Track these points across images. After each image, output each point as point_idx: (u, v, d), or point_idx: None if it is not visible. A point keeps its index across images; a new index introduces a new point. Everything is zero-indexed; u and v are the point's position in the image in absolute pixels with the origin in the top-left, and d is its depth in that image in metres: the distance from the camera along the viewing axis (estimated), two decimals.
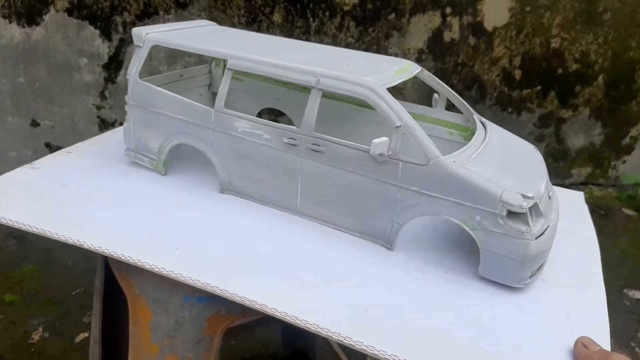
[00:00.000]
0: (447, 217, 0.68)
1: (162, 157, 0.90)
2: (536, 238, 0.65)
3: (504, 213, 0.64)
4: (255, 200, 0.85)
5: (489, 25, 2.06)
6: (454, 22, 2.03)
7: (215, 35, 0.93)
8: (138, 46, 0.87)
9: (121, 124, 1.98)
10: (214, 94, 1.07)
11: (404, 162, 0.69)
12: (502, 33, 2.08)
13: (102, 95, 1.94)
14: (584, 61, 2.19)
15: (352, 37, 1.98)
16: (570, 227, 0.85)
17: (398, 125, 0.68)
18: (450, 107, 0.85)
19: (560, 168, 2.40)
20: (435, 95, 0.86)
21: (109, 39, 1.86)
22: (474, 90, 2.17)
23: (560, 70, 2.19)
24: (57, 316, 1.50)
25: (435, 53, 2.07)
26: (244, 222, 0.80)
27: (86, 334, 1.42)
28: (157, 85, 0.87)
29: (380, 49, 2.02)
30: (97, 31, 1.85)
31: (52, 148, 2.00)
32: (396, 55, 2.05)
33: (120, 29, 1.85)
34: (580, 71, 2.21)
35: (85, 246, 0.72)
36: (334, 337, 0.60)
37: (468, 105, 0.81)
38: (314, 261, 0.73)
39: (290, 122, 0.93)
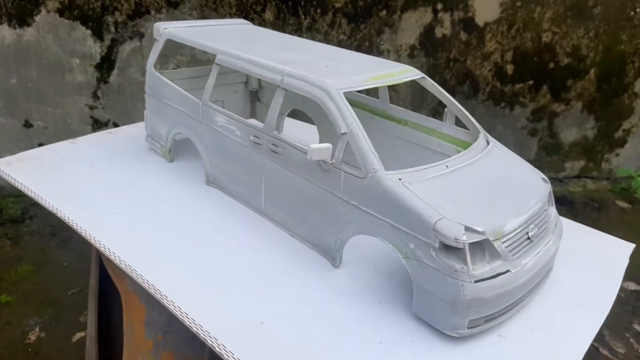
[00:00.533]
0: (382, 239, 0.61)
1: (167, 144, 0.94)
2: (476, 281, 0.54)
3: (437, 245, 0.55)
4: (231, 196, 0.85)
5: (480, 20, 2.07)
6: (445, 17, 2.04)
7: (232, 34, 0.93)
8: (155, 39, 0.92)
9: (114, 124, 1.98)
10: (251, 92, 1.09)
11: (345, 173, 0.63)
12: (493, 28, 2.09)
13: (95, 96, 1.94)
14: (576, 55, 2.20)
15: (344, 34, 1.98)
16: (590, 284, 0.72)
17: (343, 132, 0.64)
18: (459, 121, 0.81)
19: (554, 162, 2.41)
20: (447, 108, 0.81)
21: (101, 39, 1.86)
22: (467, 85, 2.18)
23: (552, 65, 2.20)
24: (53, 316, 1.50)
25: (427, 49, 2.08)
26: (211, 217, 0.80)
27: (82, 333, 1.42)
28: (189, 78, 0.90)
29: (372, 46, 2.03)
30: (89, 31, 1.84)
31: None
32: (388, 52, 2.05)
33: (112, 28, 1.85)
34: (572, 65, 2.22)
35: (74, 226, 0.76)
36: (208, 340, 0.55)
37: (475, 122, 0.75)
38: (244, 266, 0.69)
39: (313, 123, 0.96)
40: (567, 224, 0.80)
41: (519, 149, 2.34)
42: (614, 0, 2.11)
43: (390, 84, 0.73)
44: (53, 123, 1.96)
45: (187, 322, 0.57)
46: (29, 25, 1.80)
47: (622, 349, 1.49)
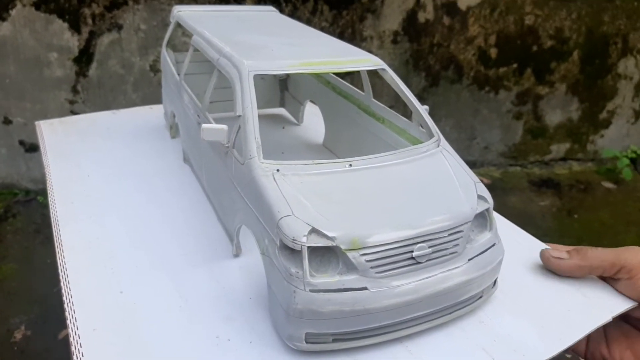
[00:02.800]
0: (251, 231, 0.57)
1: (169, 121, 0.97)
2: (312, 291, 0.49)
3: (278, 242, 0.51)
4: (195, 175, 0.85)
5: (462, 4, 2.06)
6: (428, 2, 2.02)
7: (236, 20, 0.91)
8: (170, 21, 0.96)
9: None
10: (280, 81, 1.06)
11: (235, 157, 0.60)
12: (476, 12, 2.08)
13: (75, 90, 1.91)
14: (559, 37, 2.20)
15: (326, 21, 1.96)
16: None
17: (238, 115, 0.61)
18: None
19: (540, 145, 2.41)
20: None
21: (78, 31, 1.83)
22: (451, 70, 2.17)
23: (535, 47, 2.20)
24: (39, 314, 1.48)
25: (411, 34, 2.07)
26: (162, 194, 0.80)
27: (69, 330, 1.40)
28: (204, 61, 0.92)
29: (355, 33, 2.01)
30: (66, 24, 1.81)
31: (26, 145, 1.96)
32: (371, 38, 2.04)
33: (90, 21, 1.82)
34: (555, 47, 2.22)
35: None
36: (66, 293, 0.56)
37: (429, 122, 0.66)
38: (147, 241, 0.68)
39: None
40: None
41: (505, 133, 2.34)
42: None
43: (328, 71, 0.68)
44: (33, 119, 1.92)
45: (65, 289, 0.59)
46: (4, 19, 1.76)
47: None
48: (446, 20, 2.07)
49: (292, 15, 1.93)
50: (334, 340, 0.52)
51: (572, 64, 2.27)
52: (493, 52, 2.17)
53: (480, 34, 2.13)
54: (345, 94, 0.84)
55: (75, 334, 0.54)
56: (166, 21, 1.86)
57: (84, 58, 1.87)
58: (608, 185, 2.32)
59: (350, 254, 0.49)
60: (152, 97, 1.90)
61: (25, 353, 1.36)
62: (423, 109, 0.67)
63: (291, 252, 0.50)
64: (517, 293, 0.62)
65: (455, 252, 0.54)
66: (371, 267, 0.50)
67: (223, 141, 0.61)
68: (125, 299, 0.58)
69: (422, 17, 2.05)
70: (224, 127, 0.61)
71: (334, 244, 0.49)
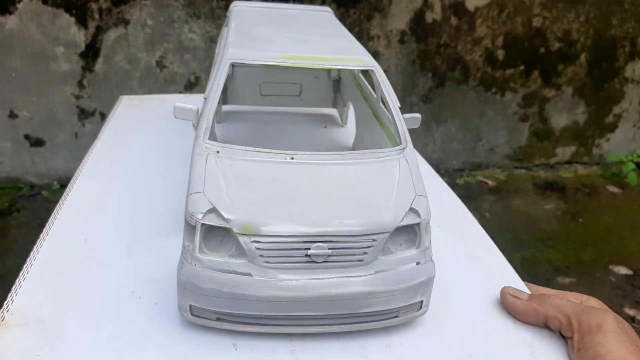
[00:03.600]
0: None
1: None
2: (198, 266, 0.51)
3: (184, 216, 0.55)
4: None
5: (470, 5, 2.05)
6: (436, 2, 2.02)
7: (281, 17, 0.92)
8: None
9: (101, 113, 1.95)
10: (334, 81, 1.05)
11: (195, 136, 0.62)
12: (484, 13, 2.07)
13: (81, 85, 1.91)
14: (566, 40, 2.19)
15: None
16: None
17: (205, 97, 0.63)
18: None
19: (545, 147, 2.40)
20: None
21: (85, 26, 1.83)
22: (458, 71, 2.16)
23: (542, 50, 2.19)
24: None
25: (418, 34, 2.06)
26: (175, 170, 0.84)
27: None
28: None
29: (362, 32, 2.00)
30: (73, 19, 1.81)
31: (31, 140, 1.96)
32: (378, 37, 2.03)
33: (97, 15, 1.82)
34: (563, 50, 2.21)
35: None
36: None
37: (402, 128, 0.64)
38: (124, 215, 0.73)
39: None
40: None
41: (510, 135, 2.34)
42: None
43: (309, 67, 0.66)
44: (38, 113, 1.93)
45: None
46: (11, 13, 1.76)
47: None
48: (454, 20, 2.06)
49: None
50: (218, 319, 0.53)
51: (579, 66, 2.26)
52: (500, 53, 2.16)
53: (488, 35, 2.12)
54: (366, 96, 0.84)
55: (28, 266, 0.61)
56: (173, 17, 1.86)
57: (90, 53, 1.87)
58: (613, 189, 2.31)
59: (241, 239, 0.50)
60: (158, 92, 1.90)
61: None
62: (399, 115, 0.64)
63: (192, 226, 0.51)
64: (452, 325, 0.57)
65: (362, 260, 0.52)
66: (260, 256, 0.50)
67: (193, 121, 0.63)
68: (89, 246, 0.65)
69: (429, 17, 2.04)
70: (193, 107, 0.63)
71: (227, 226, 0.50)
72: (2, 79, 1.85)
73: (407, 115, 0.65)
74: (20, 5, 1.76)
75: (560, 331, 0.54)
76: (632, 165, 2.36)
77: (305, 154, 0.57)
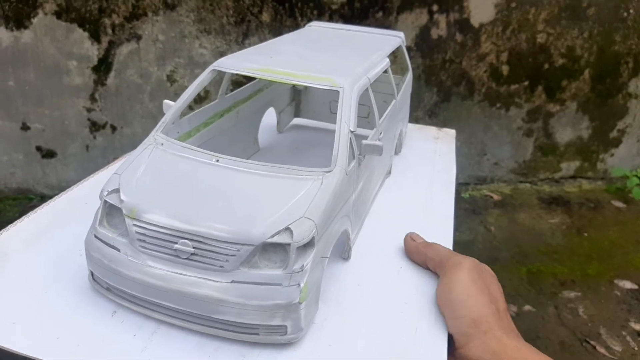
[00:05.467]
0: None
1: (277, 117, 1.07)
2: (94, 236, 0.58)
3: None
4: None
5: (475, 21, 2.08)
6: (441, 19, 2.05)
7: (336, 37, 0.96)
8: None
9: (112, 126, 1.99)
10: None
11: None
12: (488, 29, 2.10)
13: (92, 98, 1.94)
14: (570, 56, 2.22)
15: None
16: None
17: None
18: None
19: (550, 162, 2.42)
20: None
21: (98, 41, 1.87)
22: (462, 86, 2.19)
23: (546, 65, 2.22)
24: None
25: (423, 50, 2.09)
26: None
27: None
28: None
29: None
30: (86, 33, 1.85)
31: (43, 151, 2.00)
32: None
33: (109, 31, 1.86)
34: (567, 66, 2.24)
35: None
36: None
37: (340, 149, 0.63)
38: None
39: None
40: None
41: (515, 150, 2.36)
42: (607, 1, 2.13)
43: (280, 81, 0.70)
44: (51, 125, 1.96)
45: None
46: (26, 27, 1.80)
47: (618, 347, 1.51)
48: (459, 37, 2.10)
49: None
50: (107, 289, 0.58)
51: (583, 82, 2.28)
52: (505, 69, 2.19)
53: (492, 51, 2.15)
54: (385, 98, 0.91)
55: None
56: (184, 33, 1.90)
57: (102, 67, 1.90)
58: (618, 204, 2.32)
59: (127, 220, 0.55)
60: None
61: None
62: (342, 138, 0.63)
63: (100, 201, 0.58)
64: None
65: (222, 266, 0.53)
66: (137, 239, 0.54)
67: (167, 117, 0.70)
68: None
69: (434, 33, 2.07)
70: (169, 102, 0.71)
71: (120, 207, 0.56)
72: (16, 91, 1.89)
73: (367, 142, 0.66)
74: (35, 20, 1.80)
75: (435, 270, 0.65)
76: (636, 180, 2.37)
77: (230, 159, 0.61)
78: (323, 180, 0.59)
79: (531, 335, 1.54)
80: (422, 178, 0.96)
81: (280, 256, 0.53)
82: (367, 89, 0.74)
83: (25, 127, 1.95)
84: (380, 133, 0.78)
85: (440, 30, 2.07)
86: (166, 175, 0.59)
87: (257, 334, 0.54)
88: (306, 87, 1.07)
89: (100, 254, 0.56)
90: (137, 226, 0.54)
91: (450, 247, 0.72)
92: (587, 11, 2.14)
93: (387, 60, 0.85)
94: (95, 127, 1.99)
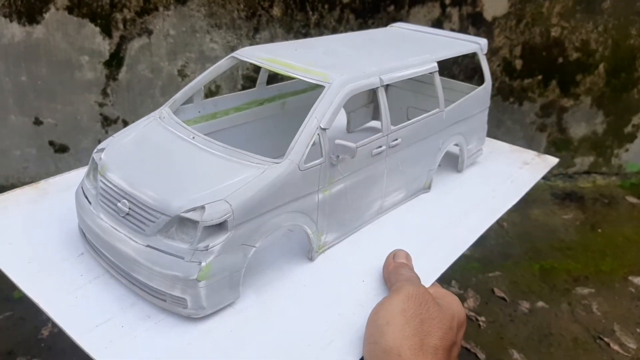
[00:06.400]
0: None
1: (347, 116, 1.10)
2: (81, 186, 0.69)
3: None
4: None
5: (488, 15, 2.06)
6: (454, 12, 2.03)
7: (408, 40, 0.99)
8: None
9: (124, 121, 1.99)
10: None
11: None
12: (501, 23, 2.08)
13: (104, 93, 1.95)
14: (585, 50, 2.19)
15: (352, 29, 1.98)
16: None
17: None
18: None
19: (563, 157, 2.39)
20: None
21: (110, 36, 1.87)
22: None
23: (560, 59, 2.19)
24: None
25: None
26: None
27: None
28: None
29: None
30: (98, 28, 1.85)
31: (55, 146, 2.01)
32: None
33: (121, 25, 1.86)
34: (581, 60, 2.21)
35: None
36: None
37: (298, 144, 0.64)
38: None
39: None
40: None
41: (528, 145, 2.33)
42: None
43: (283, 73, 0.72)
44: (63, 120, 1.97)
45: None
46: (38, 22, 1.81)
47: (633, 344, 1.49)
48: (471, 30, 2.07)
49: (319, 24, 1.95)
50: (83, 235, 0.67)
51: (597, 76, 2.25)
52: (518, 63, 2.17)
53: (506, 45, 2.12)
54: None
55: None
56: (195, 27, 1.90)
57: (114, 62, 1.91)
58: (632, 199, 2.29)
59: (98, 176, 0.64)
60: None
61: (53, 350, 1.39)
62: (305, 131, 0.64)
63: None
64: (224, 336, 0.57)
65: (143, 230, 0.58)
66: (100, 193, 0.63)
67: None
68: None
69: (447, 27, 2.05)
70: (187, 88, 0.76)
71: (97, 163, 0.64)
72: (29, 87, 1.90)
73: (340, 142, 0.65)
74: (47, 15, 1.81)
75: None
76: None
77: (203, 139, 0.66)
78: (266, 170, 0.60)
79: (544, 332, 1.53)
80: (465, 201, 0.88)
81: (193, 232, 0.56)
82: (377, 89, 0.72)
83: (38, 122, 1.96)
84: (396, 139, 0.76)
85: (452, 24, 2.05)
86: (145, 144, 0.66)
87: (165, 301, 0.58)
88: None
89: (77, 201, 0.66)
90: (102, 182, 0.63)
91: (432, 280, 0.66)
92: (602, 4, 2.11)
93: (434, 64, 0.84)
94: (107, 121, 1.99)
